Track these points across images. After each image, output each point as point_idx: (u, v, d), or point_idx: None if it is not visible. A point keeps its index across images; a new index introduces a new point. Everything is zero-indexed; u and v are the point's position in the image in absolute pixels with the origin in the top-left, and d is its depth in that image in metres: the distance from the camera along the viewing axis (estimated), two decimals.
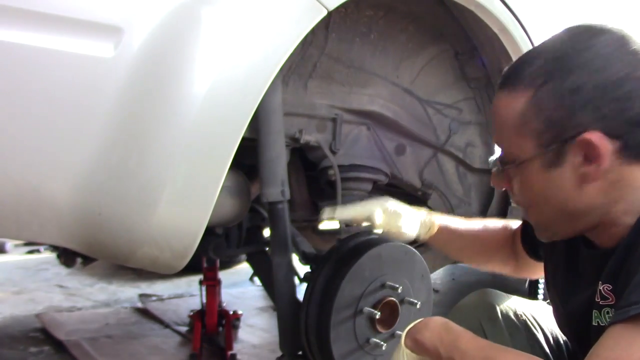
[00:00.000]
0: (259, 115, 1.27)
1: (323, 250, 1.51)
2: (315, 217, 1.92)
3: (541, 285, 2.53)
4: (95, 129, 1.01)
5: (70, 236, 1.10)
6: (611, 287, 0.86)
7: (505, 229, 1.28)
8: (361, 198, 1.67)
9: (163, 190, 1.06)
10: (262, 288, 3.15)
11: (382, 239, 1.47)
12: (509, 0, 1.49)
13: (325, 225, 1.94)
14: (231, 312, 2.50)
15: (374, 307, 1.36)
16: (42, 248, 4.56)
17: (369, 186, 1.72)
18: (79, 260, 2.50)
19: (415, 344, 0.97)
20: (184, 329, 2.67)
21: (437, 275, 3.85)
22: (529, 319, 1.18)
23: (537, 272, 1.20)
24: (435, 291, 2.80)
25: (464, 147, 1.89)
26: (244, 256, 3.07)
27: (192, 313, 2.48)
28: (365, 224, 1.32)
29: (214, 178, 1.11)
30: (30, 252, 4.66)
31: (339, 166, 1.59)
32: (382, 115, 1.68)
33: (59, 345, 2.41)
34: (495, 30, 1.54)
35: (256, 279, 3.49)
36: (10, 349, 2.39)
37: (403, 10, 1.60)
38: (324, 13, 1.17)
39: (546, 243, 1.05)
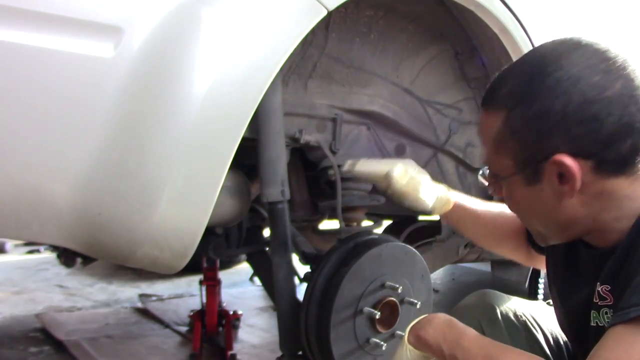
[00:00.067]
0: (259, 115, 1.27)
1: (323, 250, 1.51)
2: (316, 217, 1.92)
3: (541, 286, 2.53)
4: (96, 128, 1.01)
5: (70, 236, 1.10)
6: (610, 287, 0.86)
7: None
8: (361, 198, 1.67)
9: (163, 190, 1.06)
10: (262, 288, 3.15)
11: (382, 239, 1.47)
12: (509, 0, 1.49)
13: (326, 224, 1.94)
14: (231, 312, 2.51)
15: (374, 307, 1.36)
16: (42, 248, 4.56)
17: (369, 186, 1.71)
18: (79, 260, 2.50)
19: (418, 341, 0.97)
20: (184, 329, 2.67)
21: (437, 275, 3.85)
22: (528, 320, 1.18)
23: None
24: (435, 291, 2.80)
25: (464, 147, 1.89)
26: (244, 256, 3.07)
27: (192, 313, 2.48)
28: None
29: (214, 178, 1.11)
30: (30, 252, 4.66)
31: (339, 166, 1.59)
32: (382, 115, 1.68)
33: (59, 345, 2.42)
34: (495, 30, 1.54)
35: (256, 279, 3.49)
36: (10, 349, 2.39)
37: (403, 10, 1.60)
38: (324, 13, 1.17)
39: None
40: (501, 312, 1.19)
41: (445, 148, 1.86)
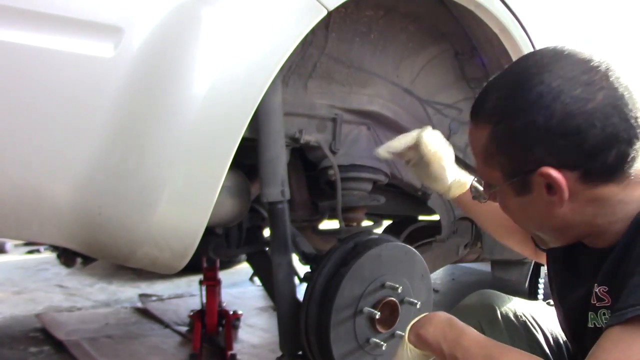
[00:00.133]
0: (259, 115, 1.27)
1: (323, 250, 1.51)
2: (316, 217, 1.92)
3: (541, 286, 2.53)
4: (95, 128, 1.01)
5: (70, 236, 1.10)
6: (607, 288, 0.87)
7: None
8: (361, 198, 1.67)
9: (163, 190, 1.06)
10: (262, 288, 3.15)
11: (382, 239, 1.47)
12: (509, 0, 1.49)
13: (326, 224, 1.94)
14: (231, 312, 2.51)
15: (374, 307, 1.36)
16: (42, 248, 4.57)
17: (369, 186, 1.71)
18: (79, 260, 2.50)
19: (419, 340, 0.97)
20: (184, 329, 2.67)
21: (437, 275, 3.86)
22: (528, 320, 1.18)
23: None
24: (435, 291, 2.80)
25: (463, 147, 1.89)
26: (244, 256, 3.07)
27: (192, 313, 2.48)
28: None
29: (214, 178, 1.11)
30: (30, 252, 4.66)
31: (339, 166, 1.59)
32: (382, 115, 1.68)
33: (59, 345, 2.42)
34: (495, 30, 1.54)
35: (256, 279, 3.49)
36: (10, 349, 2.39)
37: (403, 10, 1.60)
38: (324, 13, 1.17)
39: None
40: (501, 312, 1.19)
41: None
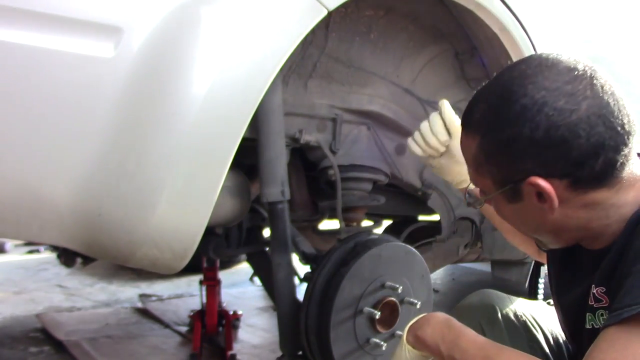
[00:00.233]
0: (259, 115, 1.27)
1: (323, 250, 1.51)
2: (316, 217, 1.92)
3: (541, 286, 2.53)
4: (95, 129, 1.01)
5: (71, 237, 1.10)
6: (605, 289, 0.87)
7: None
8: (361, 198, 1.67)
9: (163, 191, 1.06)
10: (262, 288, 3.15)
11: (382, 239, 1.47)
12: (509, 0, 1.49)
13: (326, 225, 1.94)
14: (231, 312, 2.51)
15: (374, 307, 1.36)
16: (42, 248, 4.57)
17: (369, 186, 1.72)
18: (79, 260, 2.50)
19: (417, 340, 0.97)
20: (184, 329, 2.67)
21: (437, 275, 3.85)
22: (529, 320, 1.18)
23: None
24: (435, 291, 2.80)
25: None
26: (244, 256, 3.07)
27: (192, 313, 2.48)
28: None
29: (214, 178, 1.11)
30: (30, 252, 4.66)
31: (339, 166, 1.59)
32: (382, 115, 1.68)
33: (59, 345, 2.42)
34: (495, 30, 1.54)
35: (256, 279, 3.49)
36: (10, 349, 2.39)
37: (403, 10, 1.60)
38: (324, 13, 1.16)
39: None
40: (501, 312, 1.19)
41: None
